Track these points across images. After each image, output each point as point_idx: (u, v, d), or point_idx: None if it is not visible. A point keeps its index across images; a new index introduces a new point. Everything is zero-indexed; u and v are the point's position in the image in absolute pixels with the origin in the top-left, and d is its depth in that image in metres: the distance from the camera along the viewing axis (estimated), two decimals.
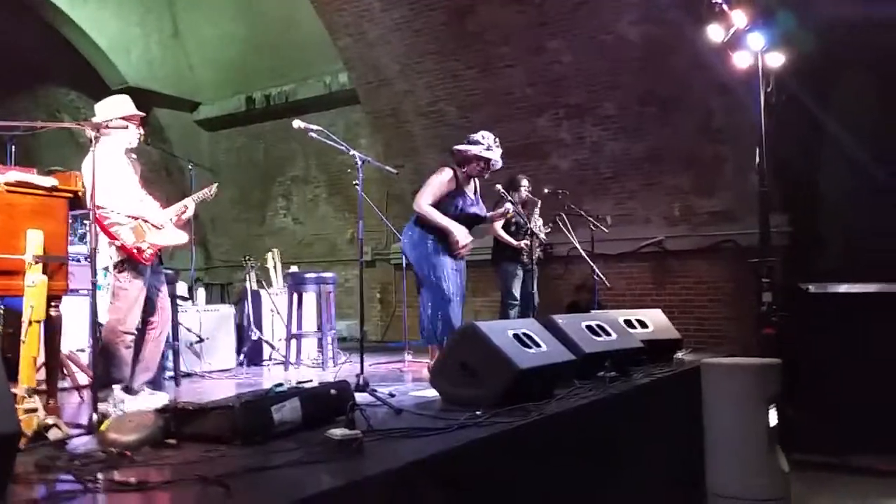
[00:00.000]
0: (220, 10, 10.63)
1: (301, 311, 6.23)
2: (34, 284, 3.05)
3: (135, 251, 3.89)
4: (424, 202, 4.92)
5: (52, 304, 3.26)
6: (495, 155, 5.03)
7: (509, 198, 5.38)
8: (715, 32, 5.90)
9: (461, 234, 4.92)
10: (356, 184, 4.52)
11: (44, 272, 3.11)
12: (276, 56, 10.39)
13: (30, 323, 3.03)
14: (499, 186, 5.27)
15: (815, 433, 4.99)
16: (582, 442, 3.48)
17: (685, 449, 4.28)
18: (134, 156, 4.21)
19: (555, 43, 7.59)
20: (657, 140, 7.54)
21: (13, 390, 2.56)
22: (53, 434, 2.78)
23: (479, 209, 5.13)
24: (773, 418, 3.95)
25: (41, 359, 3.26)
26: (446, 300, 4.89)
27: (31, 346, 3.02)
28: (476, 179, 5.16)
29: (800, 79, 6.26)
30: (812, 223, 6.93)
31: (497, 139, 5.08)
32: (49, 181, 3.28)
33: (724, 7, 5.77)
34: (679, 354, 5.37)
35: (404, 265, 6.46)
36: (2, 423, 2.08)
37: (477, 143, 5.01)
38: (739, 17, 5.74)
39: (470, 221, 5.08)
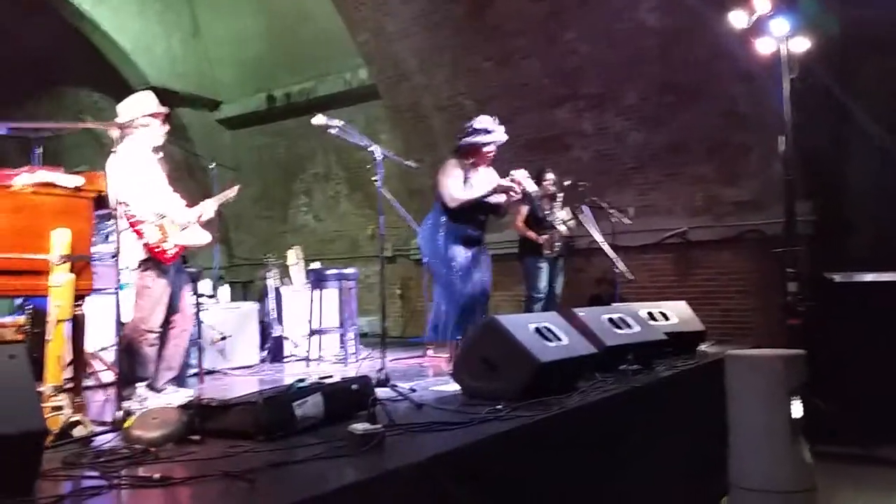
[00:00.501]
0: (240, 9, 10.68)
1: (322, 308, 6.26)
2: (60, 284, 3.10)
3: (158, 250, 3.93)
4: (459, 195, 4.89)
5: (77, 303, 3.30)
6: (499, 135, 5.02)
7: (535, 190, 5.36)
8: (737, 18, 5.81)
9: (502, 181, 4.90)
10: (375, 179, 4.51)
11: (69, 271, 3.15)
12: (296, 53, 10.43)
13: (56, 322, 3.07)
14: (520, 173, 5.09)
15: (839, 424, 4.91)
16: (604, 435, 3.46)
17: (708, 441, 4.23)
18: (161, 154, 4.21)
19: (570, 33, 7.52)
20: (680, 129, 7.45)
21: (39, 388, 2.61)
22: (79, 431, 2.82)
23: (497, 199, 5.08)
24: (797, 409, 3.90)
25: (67, 357, 3.30)
26: (459, 295, 4.87)
27: (57, 345, 3.06)
28: (492, 169, 5.11)
29: (825, 64, 6.15)
30: (838, 211, 6.81)
31: (495, 118, 5.08)
32: (74, 180, 3.31)
33: None
34: (703, 346, 5.30)
35: (424, 261, 6.46)
36: (29, 421, 2.12)
37: (477, 131, 5.00)
38: (762, 3, 5.65)
39: (485, 210, 5.06)
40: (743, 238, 7.21)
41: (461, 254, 4.94)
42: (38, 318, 3.39)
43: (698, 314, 5.43)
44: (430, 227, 5.05)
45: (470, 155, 5.04)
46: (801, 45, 5.73)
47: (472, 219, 5.04)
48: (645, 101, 7.52)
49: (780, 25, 5.62)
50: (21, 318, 4.48)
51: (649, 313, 5.00)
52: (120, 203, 3.43)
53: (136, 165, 3.88)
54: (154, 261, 3.94)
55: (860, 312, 5.50)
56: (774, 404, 3.87)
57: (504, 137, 5.06)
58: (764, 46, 5.77)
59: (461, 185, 4.93)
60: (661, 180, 7.70)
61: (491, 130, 5.01)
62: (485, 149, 5.01)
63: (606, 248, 6.09)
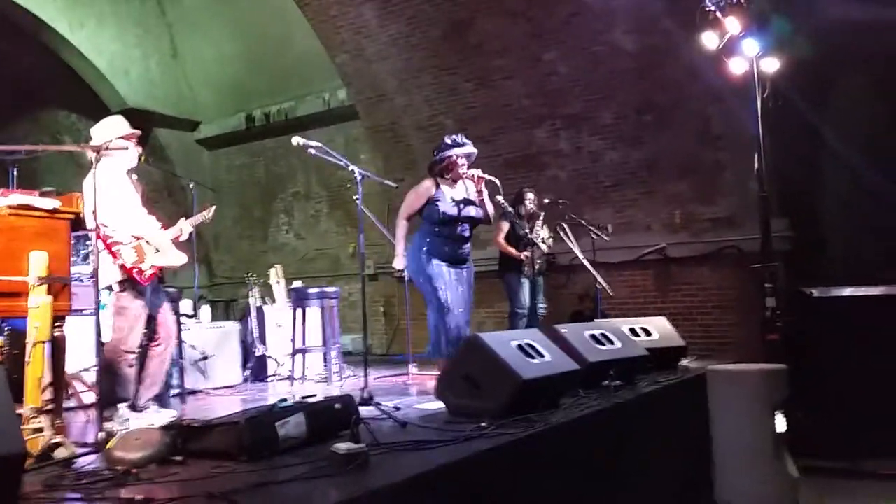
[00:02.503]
0: (219, 31, 10.71)
1: (305, 326, 6.24)
2: (38, 305, 3.06)
3: (135, 272, 3.91)
4: (400, 216, 5.25)
5: (56, 324, 3.26)
6: (467, 148, 5.18)
7: (509, 209, 5.41)
8: (709, 39, 5.92)
9: (397, 259, 5.29)
10: (356, 198, 4.54)
11: (48, 293, 3.12)
12: (275, 74, 10.46)
13: (34, 344, 3.04)
14: (499, 198, 5.28)
15: (824, 438, 4.96)
16: (588, 451, 3.47)
17: (692, 457, 4.27)
18: (135, 176, 4.24)
19: (550, 54, 7.63)
20: (655, 148, 7.56)
21: (19, 411, 2.57)
22: (60, 453, 2.78)
23: (476, 211, 5.16)
24: (780, 424, 3.94)
25: (46, 379, 3.26)
26: (446, 310, 4.90)
27: (36, 367, 3.02)
28: (473, 184, 5.17)
29: (796, 84, 6.27)
30: (813, 227, 6.93)
31: (461, 133, 5.33)
32: (51, 203, 3.29)
33: (718, 14, 5.80)
34: (684, 362, 5.35)
35: (406, 279, 6.47)
36: (8, 444, 2.09)
37: (447, 146, 5.16)
38: (733, 24, 5.76)
39: (464, 223, 5.12)
40: (721, 254, 7.30)
41: (445, 268, 4.98)
42: (18, 339, 3.34)
43: (678, 329, 5.49)
44: (413, 245, 5.13)
45: (444, 170, 5.16)
46: (773, 64, 5.85)
47: (454, 235, 5.08)
48: (621, 120, 7.63)
49: (752, 46, 5.74)
50: None
51: (631, 329, 5.04)
52: (96, 224, 3.41)
53: (111, 186, 3.87)
54: (130, 282, 3.94)
55: (839, 326, 5.57)
56: (757, 419, 3.91)
57: (473, 150, 5.21)
58: (736, 66, 5.88)
59: (413, 208, 5.19)
60: (637, 198, 7.80)
61: (461, 143, 5.17)
62: (459, 161, 5.13)
63: (587, 263, 6.14)
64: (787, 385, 4.03)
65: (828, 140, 6.72)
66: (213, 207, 4.65)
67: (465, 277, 5.11)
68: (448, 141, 5.19)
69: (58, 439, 2.83)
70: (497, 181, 5.13)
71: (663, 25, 6.85)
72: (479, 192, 5.15)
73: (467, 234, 5.16)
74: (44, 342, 3.07)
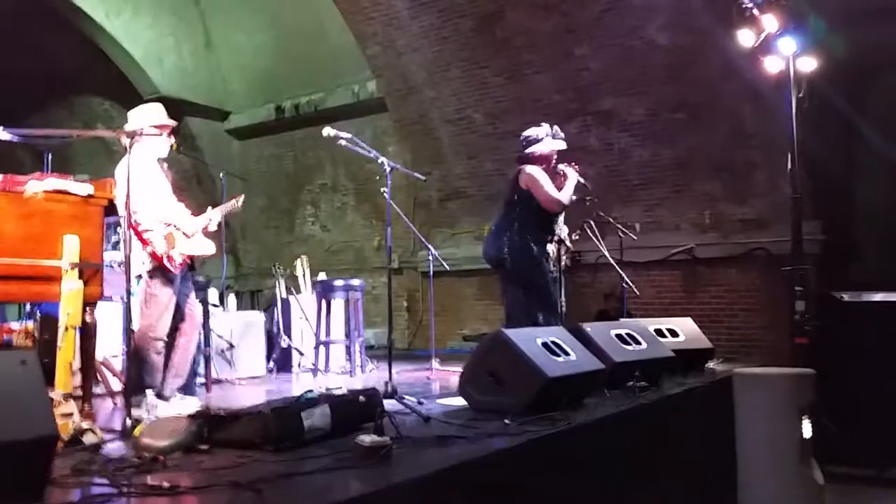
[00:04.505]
0: (251, 21, 10.77)
1: (329, 319, 6.27)
2: (71, 290, 3.11)
3: (165, 259, 3.95)
4: (557, 195, 4.96)
5: (88, 309, 3.31)
6: (563, 143, 5.14)
7: None
8: (745, 37, 5.82)
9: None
10: (384, 191, 4.54)
11: (80, 278, 3.16)
12: (306, 65, 10.50)
13: (66, 329, 3.08)
14: None
15: (851, 445, 4.88)
16: (611, 452, 3.45)
17: (716, 460, 4.22)
18: (165, 165, 4.27)
19: (582, 49, 7.57)
20: (687, 147, 7.47)
21: (50, 395, 2.61)
22: (88, 438, 2.82)
23: None
24: (807, 430, 3.88)
25: (76, 364, 3.31)
26: (553, 304, 4.90)
27: (67, 352, 3.07)
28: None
29: (833, 83, 6.16)
30: (846, 231, 6.81)
31: (553, 126, 5.20)
32: (86, 188, 3.34)
33: (755, 11, 5.69)
34: (710, 364, 5.29)
35: (431, 273, 6.47)
36: (41, 426, 2.13)
37: (541, 139, 5.08)
38: (770, 22, 5.66)
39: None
40: (750, 256, 7.21)
41: (547, 266, 5.02)
42: (50, 324, 3.40)
43: (704, 331, 5.42)
44: (519, 237, 4.96)
45: (542, 161, 5.10)
46: (809, 64, 5.73)
47: (550, 229, 5.10)
48: (653, 117, 7.55)
49: (788, 44, 5.63)
50: (29, 324, 4.51)
51: (657, 330, 4.99)
52: (128, 210, 3.44)
53: (143, 174, 3.90)
54: (160, 269, 3.97)
55: (869, 332, 5.46)
56: (783, 423, 3.85)
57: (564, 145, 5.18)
58: (772, 65, 5.78)
59: (553, 187, 5.00)
60: (667, 197, 7.72)
61: (560, 136, 5.13)
62: (554, 156, 5.12)
63: (613, 262, 6.10)
64: (814, 390, 3.96)
65: (865, 141, 6.59)
66: (243, 196, 4.66)
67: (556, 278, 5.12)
68: (544, 134, 5.11)
69: (86, 425, 2.88)
70: (589, 185, 5.21)
71: (699, 22, 6.76)
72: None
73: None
74: (75, 327, 3.12)
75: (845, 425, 4.91)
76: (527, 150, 5.12)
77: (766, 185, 7.07)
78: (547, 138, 5.09)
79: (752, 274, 7.20)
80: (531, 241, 4.95)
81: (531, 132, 5.15)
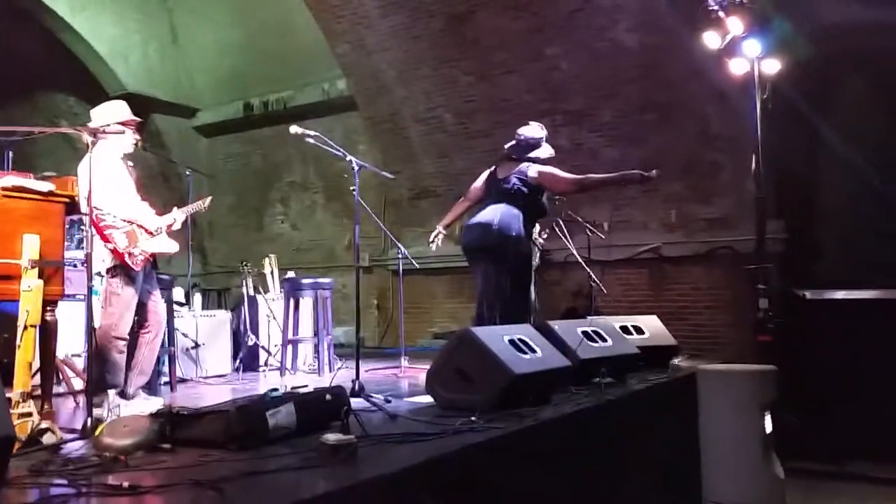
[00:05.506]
0: (219, 18, 10.65)
1: (298, 317, 6.22)
2: (30, 289, 3.05)
3: (126, 256, 3.90)
4: (576, 175, 5.10)
5: (48, 308, 3.26)
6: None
7: None
8: (711, 39, 5.92)
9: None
10: (353, 189, 4.52)
11: (40, 277, 3.11)
12: (275, 63, 10.40)
13: (25, 327, 3.03)
14: None
15: (811, 440, 4.98)
16: (577, 448, 3.48)
17: (681, 455, 4.28)
18: (130, 162, 4.22)
19: (552, 49, 7.61)
20: (654, 147, 7.55)
21: (8, 395, 2.57)
22: (48, 438, 2.78)
23: None
24: (768, 425, 3.95)
25: (36, 363, 3.25)
26: (530, 308, 4.91)
27: (27, 351, 3.02)
28: None
29: (796, 85, 6.28)
30: (809, 230, 6.94)
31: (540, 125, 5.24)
32: (45, 186, 3.29)
33: (720, 14, 5.79)
34: (675, 361, 5.36)
35: (400, 272, 6.46)
36: None
37: (541, 142, 5.15)
38: (735, 24, 5.76)
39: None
40: (715, 254, 7.31)
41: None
42: (9, 323, 3.33)
43: (670, 328, 5.49)
44: (526, 234, 4.95)
45: (546, 162, 5.16)
46: (774, 66, 5.85)
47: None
48: (622, 118, 7.62)
49: (753, 47, 5.74)
50: None
51: (623, 327, 5.05)
52: (90, 207, 3.39)
53: (105, 171, 3.85)
54: (122, 267, 3.92)
55: (831, 329, 5.59)
56: (746, 419, 3.92)
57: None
58: (737, 67, 5.88)
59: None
60: (635, 196, 7.78)
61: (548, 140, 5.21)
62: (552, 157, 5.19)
63: (581, 260, 6.15)
64: (776, 386, 4.04)
65: (827, 142, 6.73)
66: (210, 198, 4.63)
67: None
68: (542, 134, 5.17)
69: (46, 424, 2.83)
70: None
71: (666, 24, 6.83)
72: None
73: None
74: (35, 326, 3.07)
75: (807, 421, 5.01)
76: (529, 155, 5.13)
77: (731, 185, 7.17)
78: (546, 145, 5.16)
79: (716, 272, 7.30)
80: (532, 242, 5.06)
81: (529, 132, 5.16)
